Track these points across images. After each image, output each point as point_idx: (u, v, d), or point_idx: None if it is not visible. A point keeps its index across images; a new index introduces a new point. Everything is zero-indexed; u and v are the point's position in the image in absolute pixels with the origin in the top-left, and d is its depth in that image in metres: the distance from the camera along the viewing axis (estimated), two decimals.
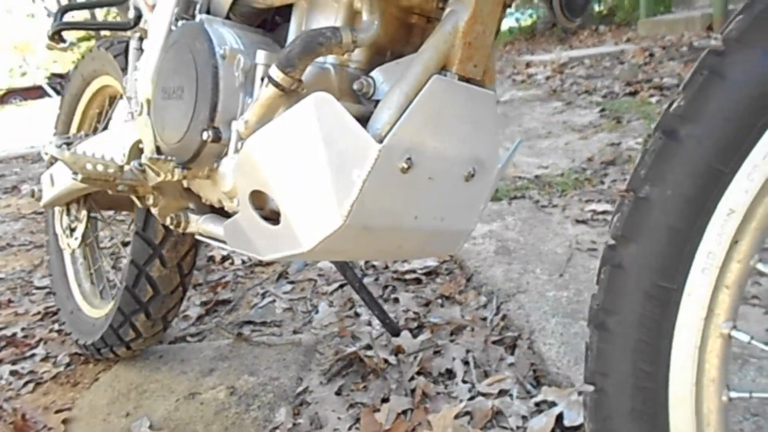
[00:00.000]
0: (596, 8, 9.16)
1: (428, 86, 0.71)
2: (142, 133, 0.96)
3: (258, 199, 0.80)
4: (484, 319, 1.50)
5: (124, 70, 1.39)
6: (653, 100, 3.25)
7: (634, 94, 3.56)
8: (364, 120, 0.71)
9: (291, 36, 0.84)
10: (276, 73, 0.69)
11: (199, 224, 0.94)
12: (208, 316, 1.83)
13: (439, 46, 0.72)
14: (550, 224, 1.99)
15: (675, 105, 0.52)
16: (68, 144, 1.43)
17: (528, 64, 6.01)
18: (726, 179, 0.50)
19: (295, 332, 1.64)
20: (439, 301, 1.66)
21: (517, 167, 2.65)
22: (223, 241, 0.89)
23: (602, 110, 3.29)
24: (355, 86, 0.76)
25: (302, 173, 0.71)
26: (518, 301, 1.51)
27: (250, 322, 1.73)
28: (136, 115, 1.05)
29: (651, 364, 0.53)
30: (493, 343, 1.39)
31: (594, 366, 0.56)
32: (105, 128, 1.71)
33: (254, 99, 0.74)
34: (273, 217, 0.80)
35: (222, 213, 0.96)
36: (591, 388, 0.57)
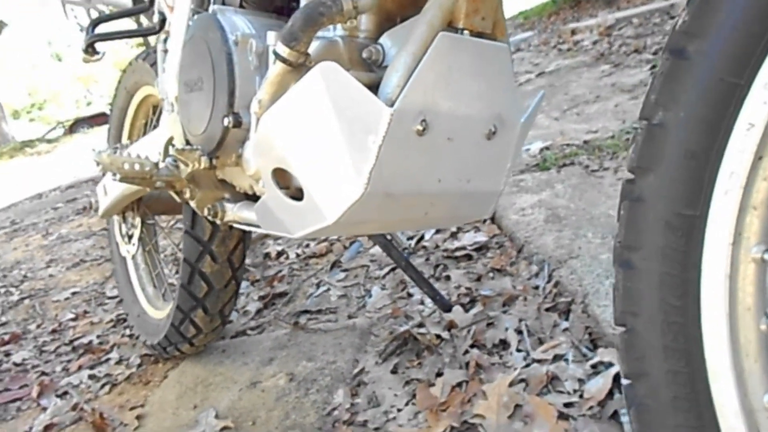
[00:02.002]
0: None
1: (434, 44, 0.70)
2: (173, 129, 0.99)
3: (282, 178, 0.81)
4: (536, 287, 1.47)
5: None
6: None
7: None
8: (376, 87, 0.70)
9: None
10: (281, 49, 0.70)
11: (235, 212, 0.97)
12: (267, 309, 1.87)
13: (442, 2, 0.71)
14: (601, 188, 1.93)
15: (680, 22, 0.49)
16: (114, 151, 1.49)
17: (573, 32, 5.82)
18: (742, 93, 0.47)
19: (349, 317, 1.66)
20: (491, 274, 1.63)
21: (565, 135, 2.58)
22: (257, 225, 0.91)
23: (653, 67, 3.15)
24: (365, 55, 0.76)
25: (318, 145, 0.72)
26: (570, 266, 1.47)
27: (306, 312, 1.76)
28: (168, 114, 1.08)
29: (680, 298, 0.50)
30: (546, 310, 1.36)
31: (622, 305, 0.54)
32: None
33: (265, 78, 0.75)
34: (299, 196, 0.81)
35: (255, 199, 0.98)
36: (621, 329, 0.55)
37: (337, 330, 1.57)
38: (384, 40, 0.76)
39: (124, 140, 1.83)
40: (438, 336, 1.38)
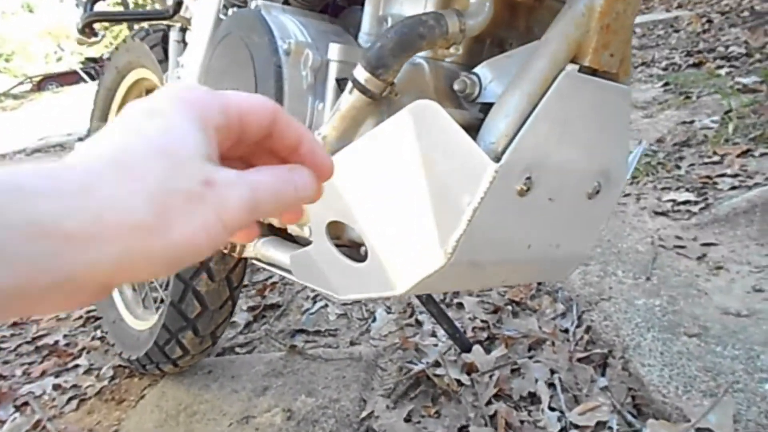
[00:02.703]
0: None
1: (557, 84, 0.55)
2: None
3: (335, 227, 0.65)
4: (565, 331, 1.34)
5: (162, 62, 1.25)
6: (722, 72, 2.99)
7: (698, 65, 3.29)
8: (469, 130, 0.55)
9: (366, 23, 0.68)
10: (363, 75, 0.54)
11: (258, 248, 0.80)
12: (257, 322, 1.71)
13: (569, 31, 0.56)
14: (625, 217, 1.81)
15: None
16: None
17: None
18: None
19: (352, 343, 1.51)
20: (509, 307, 1.50)
21: None
22: (288, 271, 0.75)
23: (665, 84, 3.04)
24: (456, 86, 0.60)
25: (397, 202, 0.57)
26: (603, 309, 1.35)
27: (302, 331, 1.60)
28: None
29: None
30: (579, 360, 1.24)
31: None
32: None
33: (333, 107, 0.59)
34: (352, 247, 0.66)
35: (283, 234, 0.81)
36: None
37: (340, 359, 1.42)
38: (482, 70, 0.61)
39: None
40: (457, 380, 1.24)
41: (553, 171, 0.59)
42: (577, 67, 0.56)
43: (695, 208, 1.76)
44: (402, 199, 0.56)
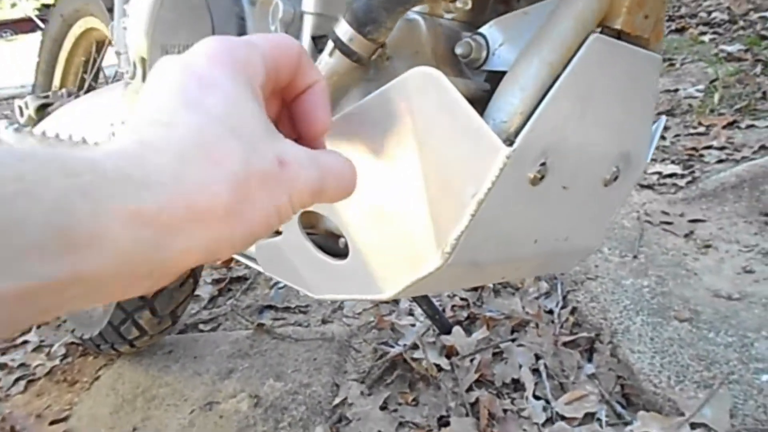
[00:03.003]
0: None
1: (585, 51, 0.45)
2: (133, 105, 0.69)
3: (308, 215, 0.55)
4: (550, 312, 1.28)
5: (111, 11, 1.11)
6: (705, 38, 2.92)
7: (680, 30, 3.21)
8: (473, 104, 0.44)
9: None
10: (347, 33, 0.43)
11: None
12: (222, 297, 1.61)
13: None
14: None
15: None
16: (46, 106, 1.16)
17: None
18: None
19: (324, 321, 1.42)
20: (491, 285, 1.42)
21: None
22: (254, 259, 0.65)
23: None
24: (459, 50, 0.50)
25: (386, 192, 0.47)
26: (589, 290, 1.28)
27: (270, 307, 1.51)
28: (127, 78, 0.78)
29: None
30: (565, 345, 1.17)
31: None
32: (94, 80, 1.44)
33: None
34: (329, 237, 0.56)
35: None
36: None
37: (310, 339, 1.33)
38: (490, 30, 0.50)
39: (56, 81, 1.48)
40: (436, 365, 1.17)
41: (571, 155, 0.50)
42: (602, 30, 0.46)
43: (682, 182, 1.69)
44: (391, 188, 0.46)
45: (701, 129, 2.01)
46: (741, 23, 3.07)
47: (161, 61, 0.28)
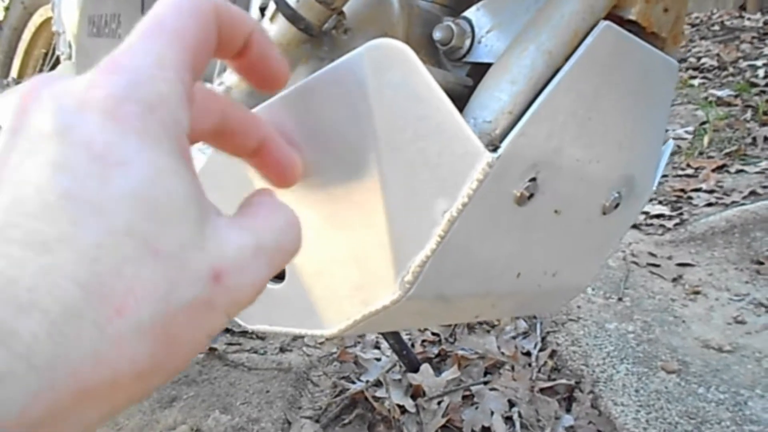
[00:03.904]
0: None
1: (593, 42, 0.36)
2: None
3: None
4: (527, 354, 1.18)
5: None
6: (695, 82, 2.90)
7: None
8: (453, 100, 0.35)
9: None
10: None
11: None
12: None
13: None
14: None
15: None
16: None
17: None
18: None
19: (282, 350, 1.31)
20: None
21: None
22: None
23: None
24: (437, 35, 0.41)
25: (333, 200, 0.37)
26: (570, 332, 1.19)
27: (227, 330, 1.39)
28: (63, 59, 0.69)
29: None
30: (542, 391, 1.07)
31: None
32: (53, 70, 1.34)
33: None
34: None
35: None
36: None
37: (265, 369, 1.21)
38: (476, 14, 0.41)
39: (14, 71, 1.38)
40: (400, 406, 1.06)
41: (568, 172, 0.41)
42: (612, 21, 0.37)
43: (669, 224, 1.62)
44: (341, 195, 0.36)
45: (690, 171, 1.96)
46: (730, 70, 3.07)
47: (23, 97, 0.18)
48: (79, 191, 0.16)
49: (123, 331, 0.16)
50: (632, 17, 0.38)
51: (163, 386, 1.17)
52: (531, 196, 0.39)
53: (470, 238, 0.37)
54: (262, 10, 0.42)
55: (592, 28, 0.37)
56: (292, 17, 0.33)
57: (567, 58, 0.36)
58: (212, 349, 1.27)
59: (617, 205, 0.48)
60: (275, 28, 0.35)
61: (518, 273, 0.45)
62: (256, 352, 1.30)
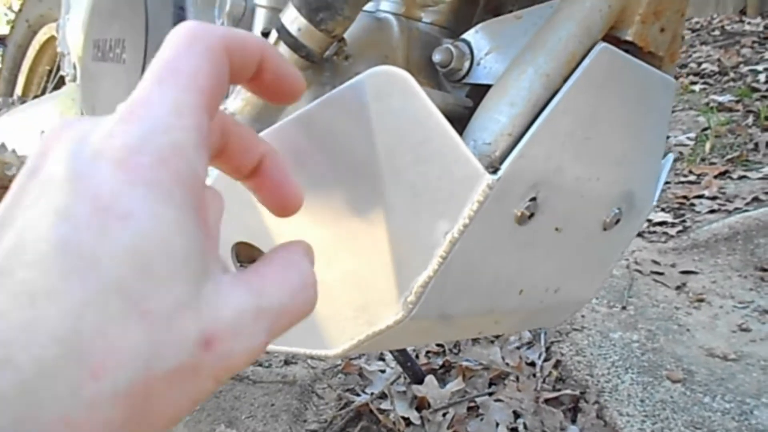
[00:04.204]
0: None
1: (590, 64, 0.37)
2: (66, 111, 0.60)
3: (246, 247, 0.46)
4: (532, 364, 1.18)
5: None
6: (696, 88, 2.91)
7: None
8: (451, 122, 0.36)
9: None
10: (296, 22, 0.34)
11: None
12: None
13: None
14: None
15: None
16: None
17: None
18: None
19: (286, 362, 1.31)
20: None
21: None
22: None
23: None
24: (436, 57, 0.41)
25: (336, 223, 0.37)
26: (574, 342, 1.19)
27: None
28: (68, 80, 0.69)
29: None
30: (547, 402, 1.07)
31: None
32: (57, 89, 1.35)
33: None
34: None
35: None
36: None
37: (270, 382, 1.22)
38: (475, 36, 0.42)
39: (19, 89, 1.39)
40: (405, 418, 1.06)
41: (567, 191, 0.41)
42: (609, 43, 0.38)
43: (672, 231, 1.62)
44: (343, 218, 0.37)
45: (692, 177, 1.96)
46: (731, 75, 3.07)
47: (46, 138, 0.18)
48: (75, 243, 0.15)
49: (97, 395, 0.15)
50: (629, 38, 0.39)
51: None
52: (531, 215, 0.39)
53: (472, 258, 0.38)
54: (265, 35, 0.43)
55: (589, 50, 0.37)
56: (294, 45, 0.34)
57: (565, 80, 0.37)
58: None
59: (618, 221, 0.48)
60: None
61: (520, 290, 0.46)
62: (260, 365, 1.30)
